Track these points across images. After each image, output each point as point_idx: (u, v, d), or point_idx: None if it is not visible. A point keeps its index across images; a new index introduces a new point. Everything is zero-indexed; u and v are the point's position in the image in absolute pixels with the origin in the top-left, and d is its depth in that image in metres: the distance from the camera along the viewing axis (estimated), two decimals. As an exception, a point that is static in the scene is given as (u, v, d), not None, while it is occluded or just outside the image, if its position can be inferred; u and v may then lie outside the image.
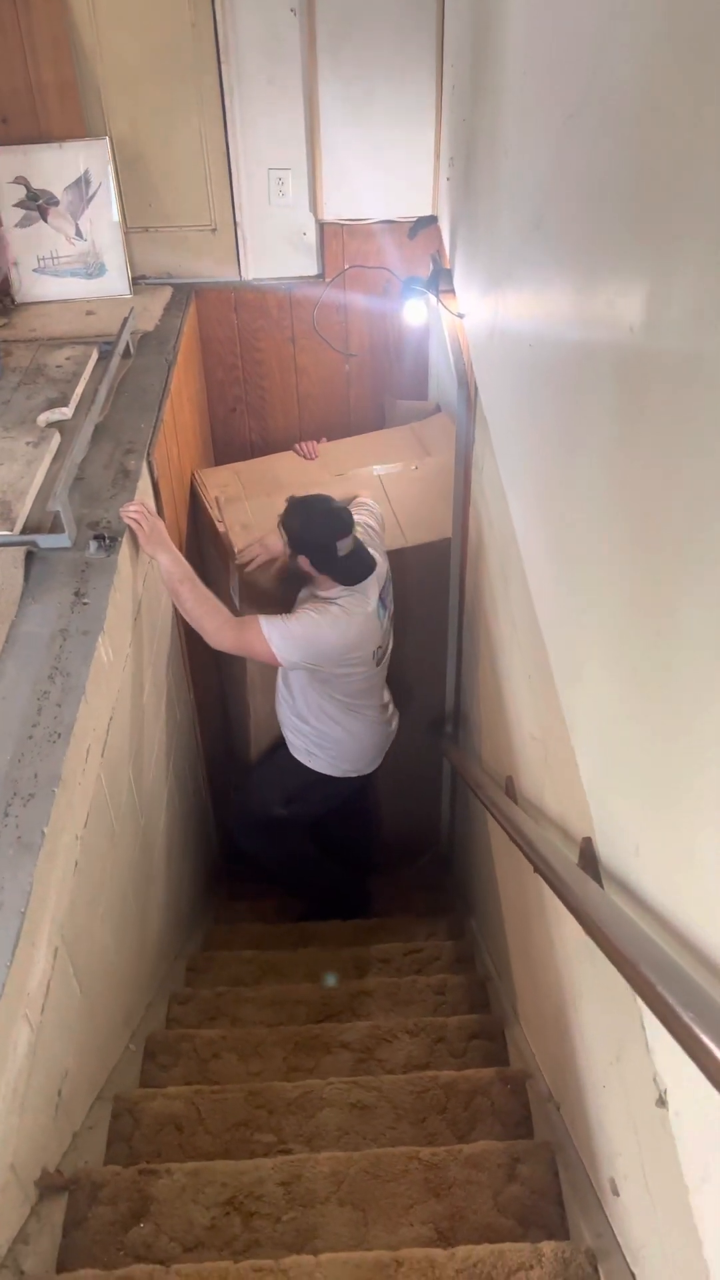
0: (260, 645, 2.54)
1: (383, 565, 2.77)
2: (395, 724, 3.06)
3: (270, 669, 3.07)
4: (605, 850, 1.36)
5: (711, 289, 0.88)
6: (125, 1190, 1.64)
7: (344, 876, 3.43)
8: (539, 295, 1.67)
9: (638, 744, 1.17)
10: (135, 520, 2.36)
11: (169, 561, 2.48)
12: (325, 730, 2.85)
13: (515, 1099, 1.94)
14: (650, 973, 0.96)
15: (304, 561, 2.63)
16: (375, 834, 3.53)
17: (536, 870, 1.51)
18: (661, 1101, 1.13)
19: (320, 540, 2.55)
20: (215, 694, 3.78)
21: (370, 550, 2.73)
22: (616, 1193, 1.41)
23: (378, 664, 2.73)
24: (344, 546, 2.54)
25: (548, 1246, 1.42)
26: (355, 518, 2.79)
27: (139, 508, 2.40)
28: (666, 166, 0.99)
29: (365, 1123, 1.90)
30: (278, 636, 2.53)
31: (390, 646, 2.84)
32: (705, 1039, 0.81)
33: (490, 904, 2.73)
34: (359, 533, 2.75)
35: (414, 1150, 1.71)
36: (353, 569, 2.62)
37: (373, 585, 2.67)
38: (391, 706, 3.04)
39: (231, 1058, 2.20)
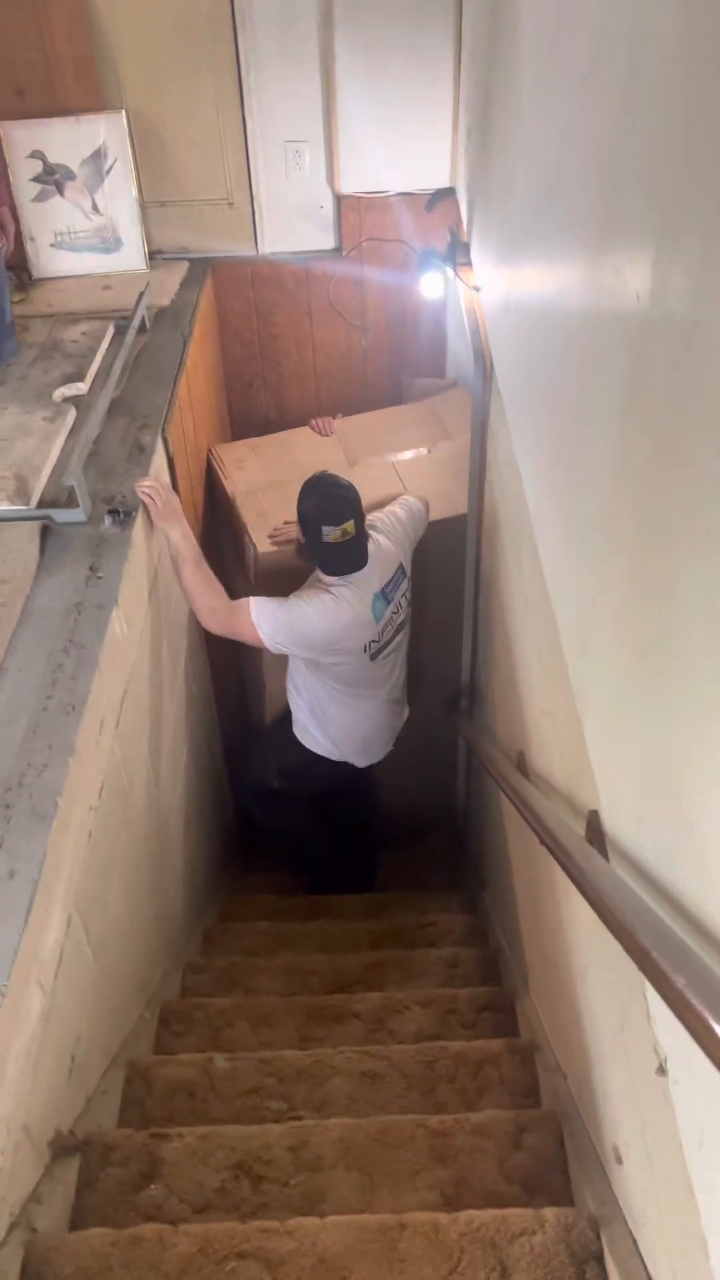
0: (248, 629, 2.55)
1: (391, 559, 2.73)
2: (400, 718, 3.03)
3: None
4: (610, 822, 1.36)
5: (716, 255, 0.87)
6: (136, 1152, 1.67)
7: (344, 851, 3.44)
8: (550, 265, 1.65)
9: (641, 715, 1.17)
10: (149, 495, 2.36)
11: (178, 537, 2.48)
12: (319, 712, 2.85)
13: (524, 1069, 1.95)
14: (648, 942, 0.97)
15: (300, 538, 2.65)
16: (375, 815, 3.51)
17: (542, 843, 1.52)
18: (661, 1070, 1.14)
19: (311, 521, 2.55)
20: (231, 667, 3.80)
21: (382, 539, 2.71)
22: (620, 1160, 1.42)
23: (372, 657, 2.69)
24: (330, 534, 2.52)
25: (550, 1212, 1.44)
26: (383, 510, 2.82)
27: (153, 482, 2.40)
28: (679, 129, 0.98)
29: (375, 1091, 1.92)
30: (265, 621, 2.54)
31: (395, 641, 2.80)
32: (699, 1007, 0.81)
33: (502, 878, 2.74)
34: (379, 523, 2.75)
35: (421, 1118, 1.73)
36: (338, 558, 2.60)
37: (373, 578, 2.64)
38: (398, 700, 2.99)
39: (244, 1026, 2.22)
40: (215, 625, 2.60)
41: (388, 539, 2.75)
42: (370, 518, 2.76)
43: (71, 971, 1.74)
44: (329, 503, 2.56)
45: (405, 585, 2.80)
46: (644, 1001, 1.21)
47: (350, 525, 2.55)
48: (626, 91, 1.16)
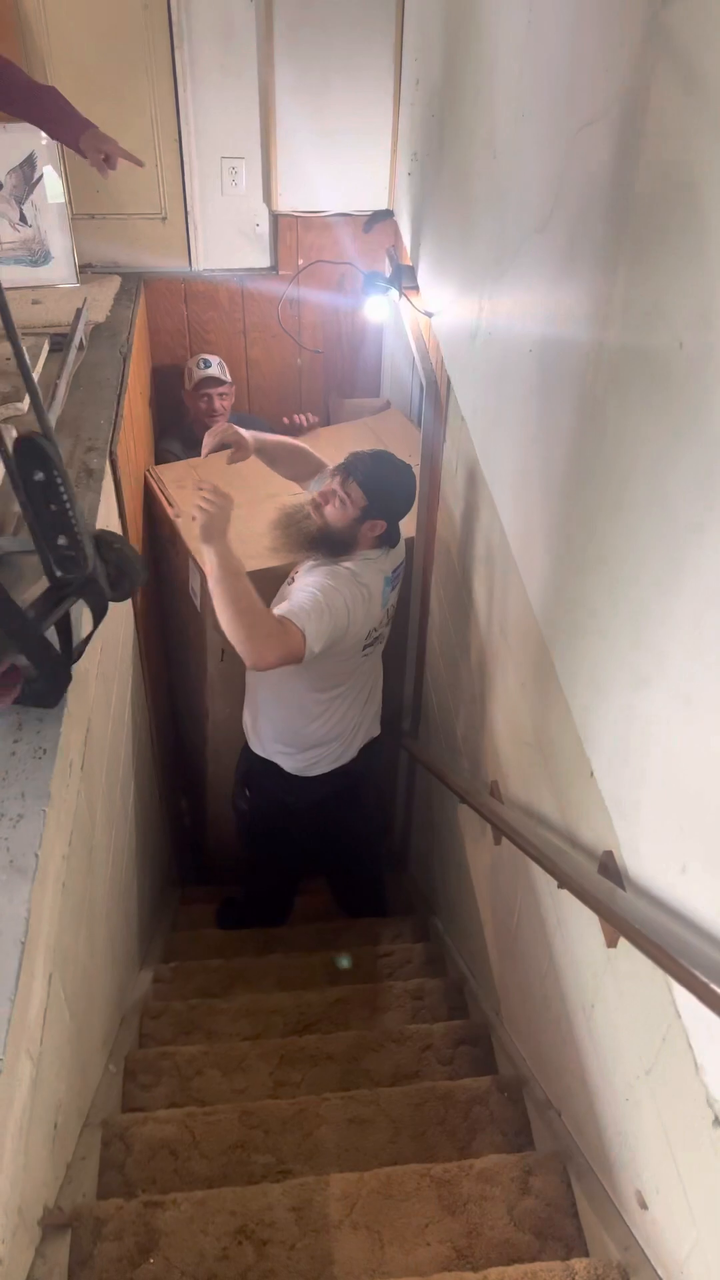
0: (297, 647, 2.20)
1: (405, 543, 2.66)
2: (371, 725, 2.79)
3: (236, 669, 2.99)
4: (635, 865, 1.35)
5: None
6: (130, 1224, 1.58)
7: (282, 886, 3.26)
8: (546, 297, 1.65)
9: (692, 764, 1.16)
10: (206, 507, 2.20)
11: (221, 558, 2.19)
12: (297, 724, 2.63)
13: (513, 1107, 1.93)
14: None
15: (374, 527, 2.38)
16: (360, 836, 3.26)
17: (562, 885, 1.50)
18: (718, 1122, 1.13)
19: (402, 510, 2.43)
20: (166, 696, 3.69)
21: None
22: (644, 1205, 1.41)
23: (363, 650, 2.49)
24: (404, 518, 2.48)
25: (580, 1264, 1.42)
26: None
27: (213, 492, 2.22)
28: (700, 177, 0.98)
29: (364, 1138, 1.87)
30: (316, 630, 2.22)
31: (382, 638, 2.61)
32: None
33: (463, 905, 2.72)
34: None
35: (425, 1168, 1.69)
36: (390, 535, 2.49)
37: (390, 559, 2.51)
38: (376, 708, 2.80)
39: (215, 1074, 2.14)
40: (272, 654, 2.17)
41: None
42: None
43: (53, 1033, 1.64)
44: (413, 480, 2.48)
45: (403, 569, 2.68)
46: (688, 1051, 1.20)
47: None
48: (624, 137, 1.15)
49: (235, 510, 2.29)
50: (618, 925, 1.31)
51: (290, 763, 2.66)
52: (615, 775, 1.43)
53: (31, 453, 1.43)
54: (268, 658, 2.18)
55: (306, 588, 2.34)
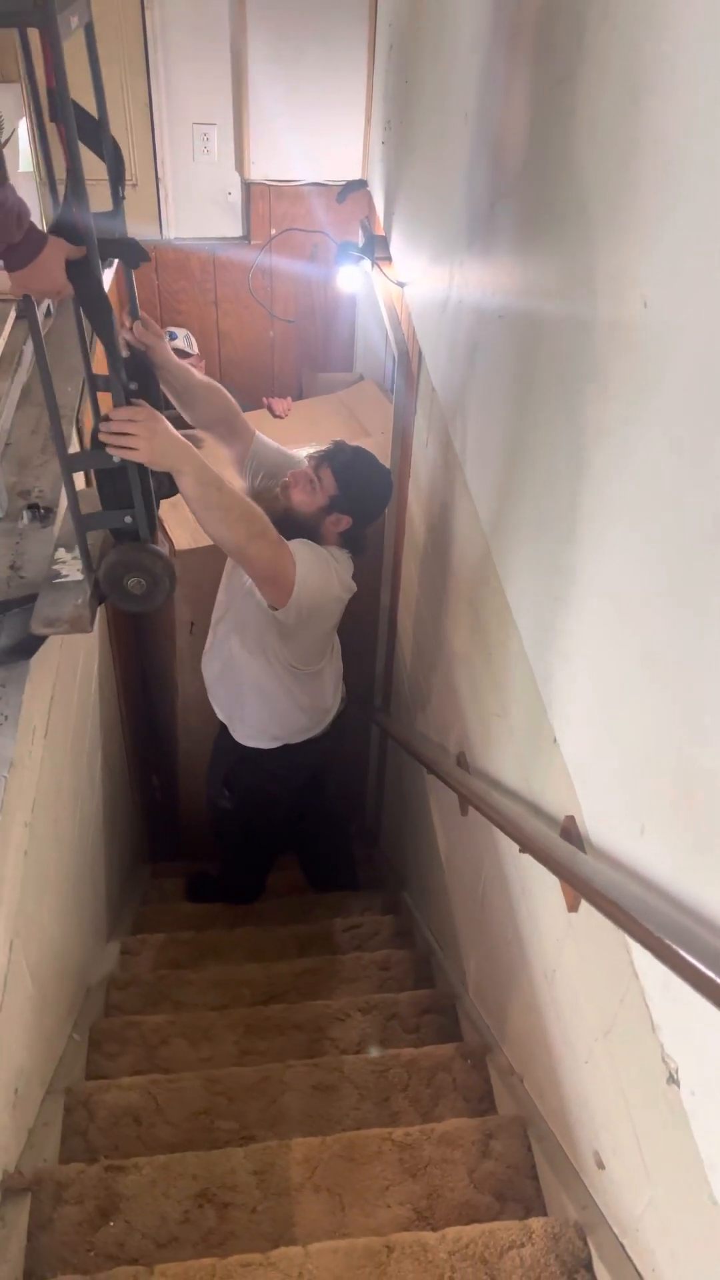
0: (287, 568, 2.11)
1: None
2: (332, 709, 2.68)
3: (201, 643, 2.96)
4: (595, 829, 1.35)
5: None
6: (92, 1188, 1.58)
7: (259, 868, 3.24)
8: (519, 262, 1.63)
9: (646, 718, 1.16)
10: (124, 434, 1.67)
11: (195, 470, 1.83)
12: (278, 699, 2.54)
13: (476, 1073, 1.94)
14: (677, 944, 0.97)
15: (337, 521, 2.28)
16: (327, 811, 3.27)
17: (524, 849, 1.50)
18: (672, 1079, 1.13)
19: (374, 510, 2.39)
20: (136, 671, 3.67)
21: None
22: (601, 1165, 1.42)
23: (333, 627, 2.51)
24: (376, 521, 2.43)
25: (536, 1223, 1.43)
26: None
27: (125, 415, 1.69)
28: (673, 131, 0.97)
29: (329, 1105, 1.88)
30: (305, 569, 2.14)
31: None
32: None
33: (432, 878, 2.73)
34: None
35: (386, 1132, 1.69)
36: (361, 540, 2.41)
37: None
38: (336, 681, 2.70)
39: (181, 1043, 2.14)
40: (261, 558, 2.05)
41: None
42: None
43: (14, 999, 1.63)
44: (387, 495, 2.45)
45: None
46: (644, 1010, 1.21)
47: None
48: (609, 94, 1.14)
49: None
50: (578, 887, 1.32)
51: (279, 739, 2.61)
52: (576, 740, 1.43)
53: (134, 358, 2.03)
54: (283, 563, 2.09)
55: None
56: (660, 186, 1.05)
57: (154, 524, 1.84)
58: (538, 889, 1.65)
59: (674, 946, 1.01)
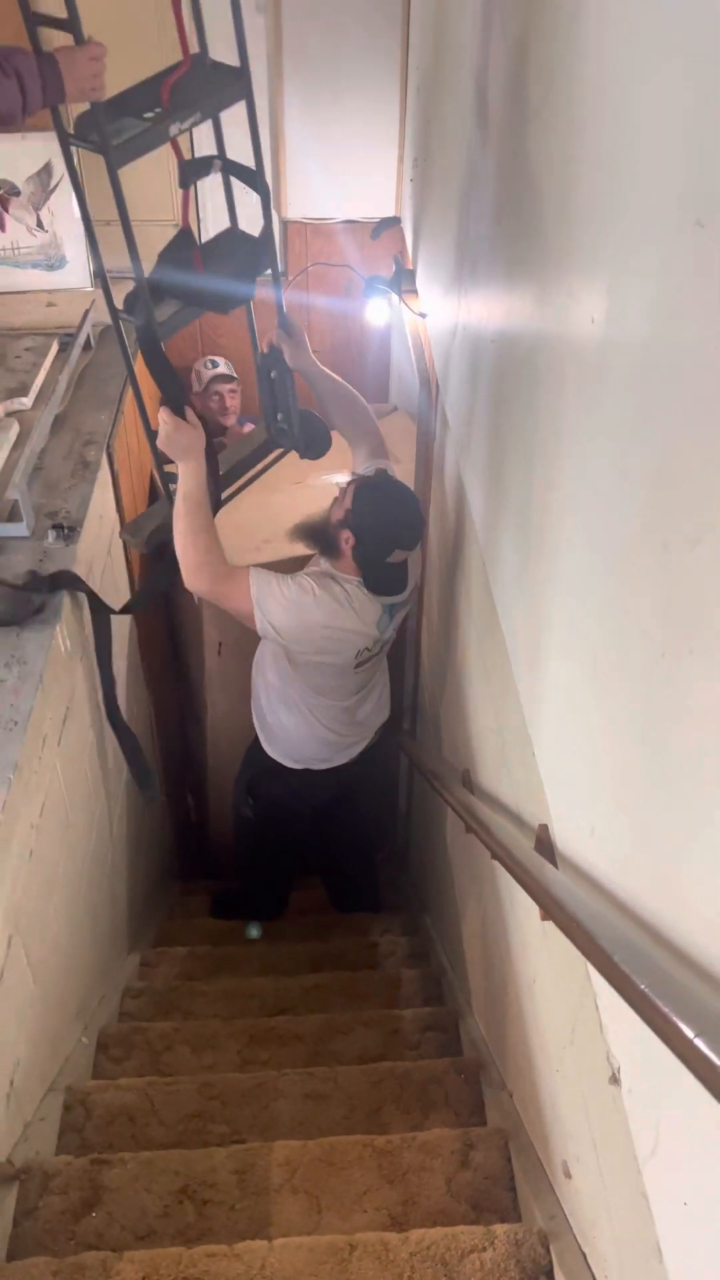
0: (240, 600, 2.25)
1: (412, 574, 2.45)
2: (367, 732, 2.74)
3: (234, 663, 3.05)
4: (561, 834, 1.38)
5: (668, 276, 0.90)
6: (77, 1180, 1.62)
7: (279, 884, 3.29)
8: (500, 289, 1.69)
9: (593, 727, 1.19)
10: (164, 420, 2.17)
11: (194, 480, 2.21)
12: (278, 714, 2.66)
13: (469, 1088, 1.95)
14: (608, 946, 0.98)
15: (347, 539, 2.30)
16: (352, 835, 3.29)
17: (494, 856, 1.53)
18: (614, 1079, 1.15)
19: (382, 539, 2.26)
20: (171, 689, 3.76)
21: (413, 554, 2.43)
22: (569, 1175, 1.42)
23: (355, 667, 2.45)
24: (398, 557, 2.29)
25: (500, 1229, 1.44)
26: None
27: (163, 414, 2.18)
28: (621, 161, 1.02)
29: (320, 1113, 1.90)
30: (265, 596, 2.24)
31: (379, 656, 2.53)
32: (660, 1005, 0.82)
33: (445, 898, 2.74)
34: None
35: (368, 1138, 1.71)
36: (388, 579, 2.34)
37: (388, 596, 2.39)
38: (371, 713, 2.72)
39: (185, 1050, 2.18)
40: (202, 583, 2.27)
41: (413, 561, 2.46)
42: None
43: (11, 994, 1.70)
44: (403, 527, 2.28)
45: (408, 607, 2.54)
46: (595, 1012, 1.22)
47: (418, 549, 2.34)
48: (577, 123, 1.19)
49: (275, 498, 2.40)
50: (538, 898, 1.34)
51: (300, 762, 2.69)
52: (548, 749, 1.46)
53: (273, 354, 2.33)
54: (196, 583, 2.28)
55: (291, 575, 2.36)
56: (596, 215, 1.10)
57: None
58: (521, 902, 1.67)
59: (606, 951, 1.03)
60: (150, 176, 3.41)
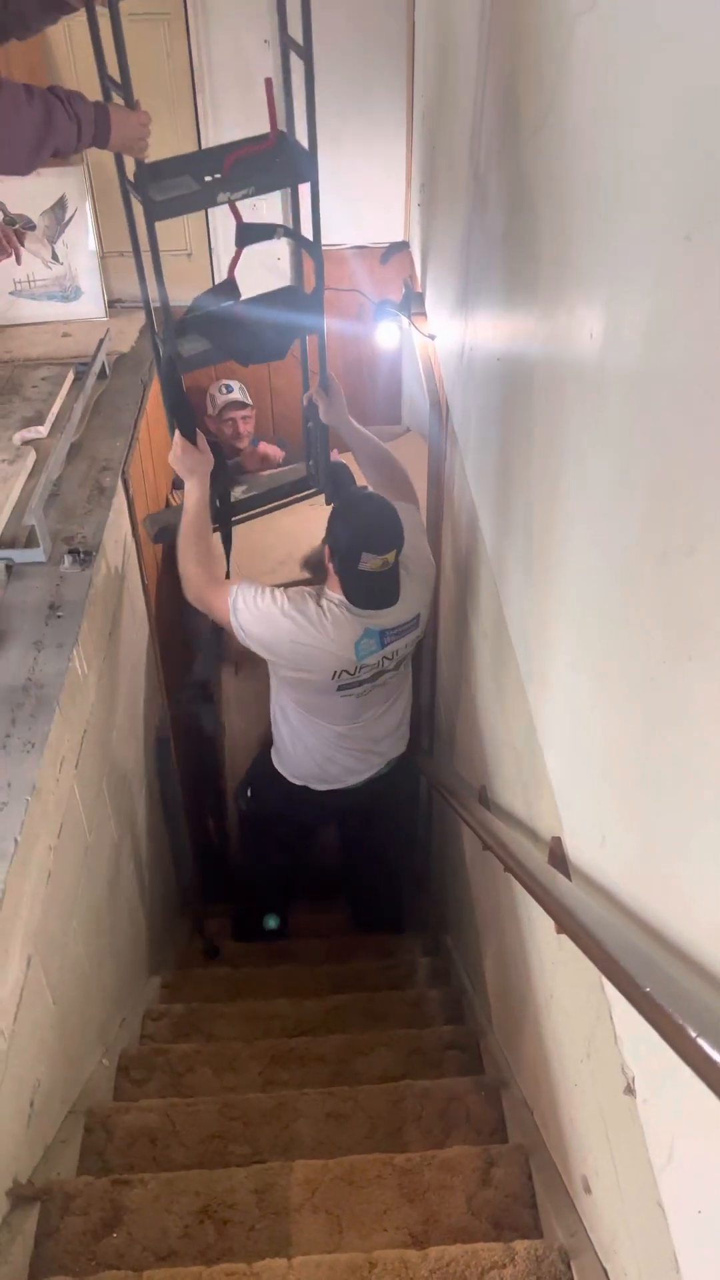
0: (221, 609, 2.35)
1: (411, 604, 2.42)
2: (373, 761, 2.72)
3: (251, 685, 3.08)
4: (572, 845, 1.38)
5: (660, 296, 0.92)
6: (97, 1200, 1.63)
7: (273, 895, 3.30)
8: (502, 308, 1.71)
9: (601, 736, 1.19)
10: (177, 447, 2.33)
11: (196, 497, 2.35)
12: (279, 723, 2.71)
13: (490, 1107, 1.94)
14: (618, 954, 0.99)
15: (328, 553, 2.36)
16: (366, 856, 3.28)
17: (506, 868, 1.53)
18: (629, 1089, 1.15)
19: (348, 546, 2.26)
20: (190, 712, 3.77)
21: (413, 584, 2.42)
22: (588, 1190, 1.42)
23: (338, 690, 2.45)
24: (368, 561, 2.25)
25: (520, 1245, 1.43)
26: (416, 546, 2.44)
27: (177, 440, 2.33)
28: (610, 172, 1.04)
29: (341, 1132, 1.90)
30: (242, 607, 2.31)
31: (373, 684, 2.49)
32: (669, 1010, 0.83)
33: (465, 917, 2.74)
34: (411, 562, 2.41)
35: (388, 1156, 1.71)
36: (370, 591, 2.32)
37: (384, 616, 2.38)
38: (375, 743, 2.70)
39: (206, 1071, 2.18)
40: (191, 591, 2.40)
41: (417, 584, 2.44)
42: (415, 554, 2.46)
43: (31, 1014, 1.71)
44: (373, 528, 2.26)
45: (414, 636, 2.49)
46: (610, 1024, 1.22)
47: (392, 556, 2.28)
48: (576, 139, 1.22)
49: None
50: (550, 910, 1.34)
51: (290, 774, 2.74)
52: (559, 759, 1.46)
53: (311, 408, 2.59)
54: (187, 591, 2.43)
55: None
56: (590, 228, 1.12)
57: None
58: (537, 914, 1.67)
59: (613, 955, 1.03)
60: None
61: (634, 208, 0.99)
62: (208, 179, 2.08)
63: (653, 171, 0.93)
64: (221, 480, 2.46)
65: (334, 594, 2.35)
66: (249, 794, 3.01)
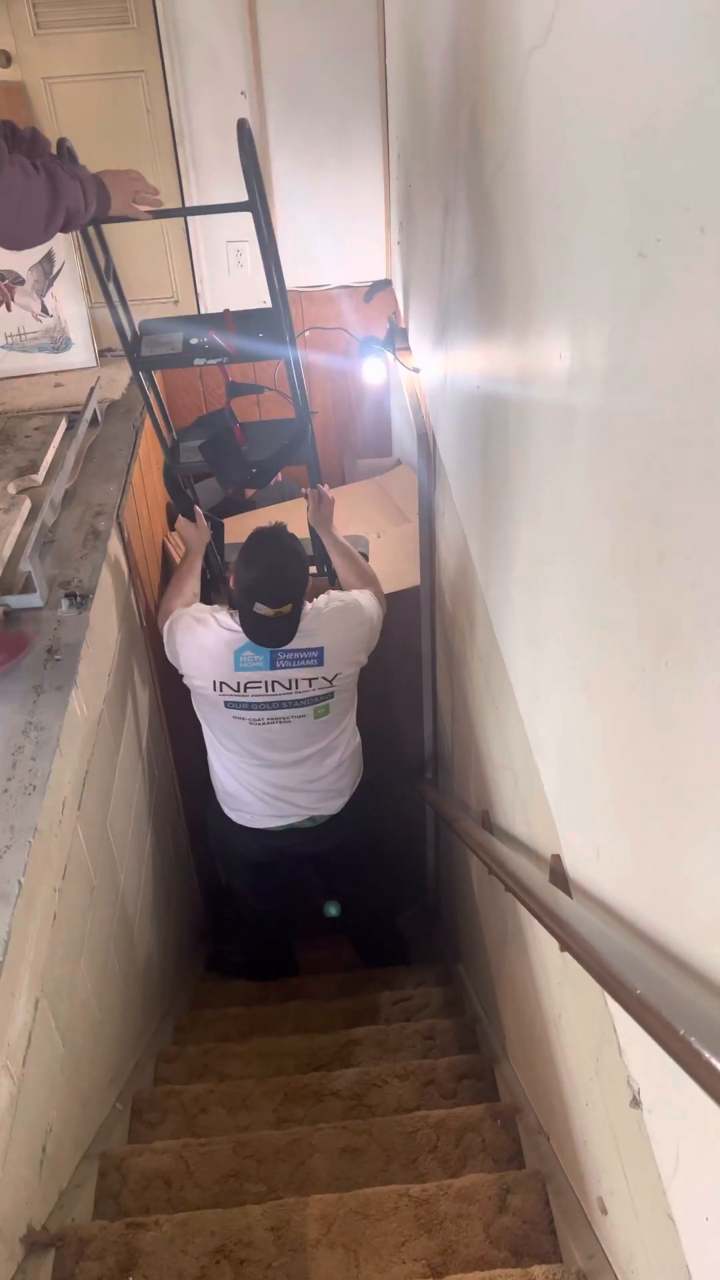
0: (163, 614, 2.62)
1: (310, 637, 2.46)
2: (275, 817, 2.73)
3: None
4: (570, 860, 1.38)
5: (619, 325, 0.94)
6: (112, 1244, 1.61)
7: (264, 942, 3.30)
8: (480, 337, 1.75)
9: (591, 749, 1.20)
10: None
11: (192, 556, 2.75)
12: (209, 754, 2.79)
13: (506, 1134, 1.92)
14: (614, 964, 0.99)
15: (230, 586, 2.56)
16: (346, 892, 3.24)
17: (508, 890, 1.53)
18: (635, 1102, 1.14)
19: (246, 591, 2.37)
20: (196, 753, 3.78)
21: (321, 624, 2.48)
22: (604, 1210, 1.40)
23: (227, 706, 2.49)
24: (262, 610, 2.35)
25: (538, 1270, 1.41)
26: (313, 603, 2.51)
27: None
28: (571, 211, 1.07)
29: (356, 1167, 1.88)
30: (166, 614, 2.59)
31: (275, 716, 2.53)
32: (666, 1016, 0.83)
33: (475, 945, 2.72)
34: (322, 612, 2.50)
35: (404, 1188, 1.69)
36: (259, 630, 2.41)
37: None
38: (291, 791, 2.70)
39: (220, 1111, 2.17)
40: (160, 621, 2.66)
41: (326, 621, 2.50)
42: (334, 595, 2.58)
43: (40, 1058, 1.70)
44: (271, 581, 2.34)
45: (319, 674, 2.48)
46: (614, 1037, 1.22)
47: (287, 608, 2.34)
48: (536, 172, 1.25)
49: None
50: (551, 928, 1.34)
51: (218, 796, 2.84)
52: (554, 776, 1.47)
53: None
54: (159, 622, 2.70)
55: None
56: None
57: None
58: (542, 934, 1.67)
59: (608, 964, 1.04)
60: (149, 258, 3.56)
61: (591, 230, 1.02)
62: (194, 341, 2.40)
63: (607, 194, 0.96)
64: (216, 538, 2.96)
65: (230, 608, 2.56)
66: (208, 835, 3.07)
